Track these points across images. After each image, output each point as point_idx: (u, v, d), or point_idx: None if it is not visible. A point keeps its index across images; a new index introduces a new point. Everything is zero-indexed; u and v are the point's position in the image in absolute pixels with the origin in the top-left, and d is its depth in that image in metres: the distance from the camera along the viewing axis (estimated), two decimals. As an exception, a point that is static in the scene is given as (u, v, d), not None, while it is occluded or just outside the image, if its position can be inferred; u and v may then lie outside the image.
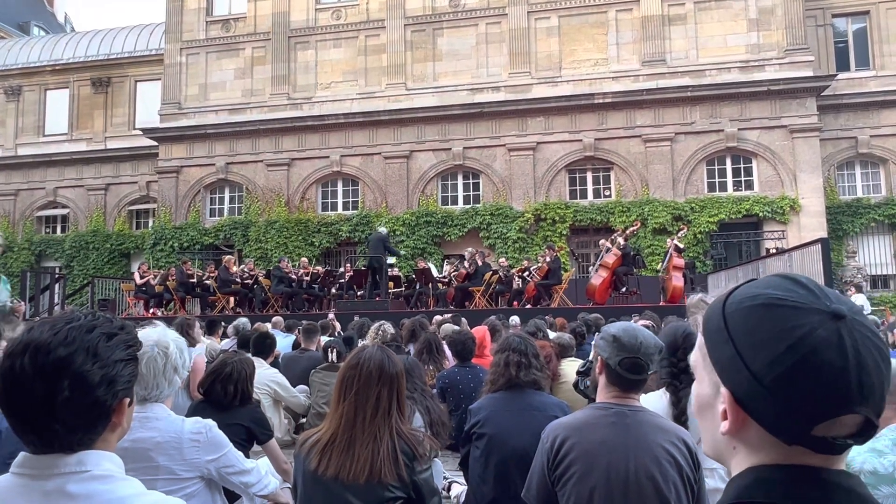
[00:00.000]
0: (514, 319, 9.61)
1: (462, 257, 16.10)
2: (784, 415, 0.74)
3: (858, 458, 2.06)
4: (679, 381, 2.67)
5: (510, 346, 3.39)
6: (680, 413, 2.65)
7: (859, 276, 17.82)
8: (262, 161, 21.45)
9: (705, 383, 0.83)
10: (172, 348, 2.40)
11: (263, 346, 5.89)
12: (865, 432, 0.74)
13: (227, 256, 16.73)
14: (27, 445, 1.17)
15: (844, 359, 0.72)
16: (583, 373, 4.11)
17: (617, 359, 2.18)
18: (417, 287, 15.51)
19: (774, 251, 15.72)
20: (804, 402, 0.72)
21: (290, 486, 2.85)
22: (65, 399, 1.12)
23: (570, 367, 5.11)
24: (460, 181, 20.60)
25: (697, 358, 0.85)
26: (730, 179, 19.03)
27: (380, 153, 20.70)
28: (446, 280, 15.71)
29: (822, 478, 0.76)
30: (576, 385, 4.22)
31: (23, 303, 5.09)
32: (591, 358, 2.93)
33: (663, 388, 2.72)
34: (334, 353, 5.85)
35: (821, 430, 0.73)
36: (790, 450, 0.76)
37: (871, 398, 0.73)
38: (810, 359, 0.72)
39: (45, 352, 1.13)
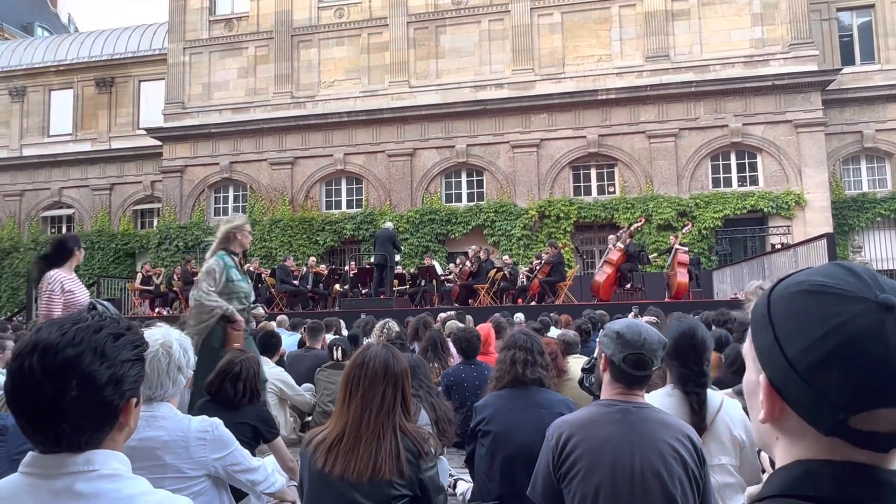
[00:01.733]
0: (519, 316, 9.61)
1: (465, 255, 16.09)
2: (817, 404, 0.71)
3: None
4: (695, 384, 2.57)
5: (516, 343, 3.38)
6: (700, 420, 2.53)
7: (865, 271, 17.73)
8: (265, 160, 21.49)
9: (752, 370, 0.81)
10: (176, 347, 2.42)
11: (269, 344, 5.91)
12: None
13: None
14: (35, 445, 1.18)
15: (885, 351, 0.68)
16: (588, 370, 4.11)
17: (621, 355, 2.18)
18: (422, 284, 15.50)
19: (779, 247, 15.68)
20: (837, 392, 0.69)
21: (296, 483, 2.86)
22: (72, 399, 1.12)
23: (575, 364, 5.12)
24: (464, 178, 20.59)
25: (747, 344, 0.83)
26: (734, 175, 18.97)
27: (383, 151, 20.70)
28: (449, 278, 15.69)
29: (874, 476, 0.72)
30: (581, 382, 4.22)
31: (262, 307, 5.09)
32: (595, 355, 2.92)
33: (668, 386, 2.69)
34: (339, 352, 5.87)
35: (858, 422, 0.70)
36: (832, 442, 0.72)
37: None
38: (846, 348, 0.68)
39: (52, 352, 1.13)
